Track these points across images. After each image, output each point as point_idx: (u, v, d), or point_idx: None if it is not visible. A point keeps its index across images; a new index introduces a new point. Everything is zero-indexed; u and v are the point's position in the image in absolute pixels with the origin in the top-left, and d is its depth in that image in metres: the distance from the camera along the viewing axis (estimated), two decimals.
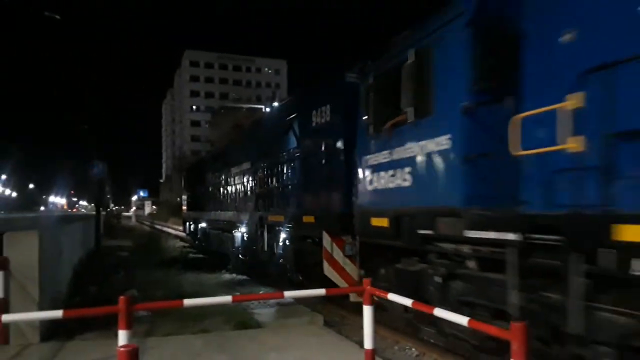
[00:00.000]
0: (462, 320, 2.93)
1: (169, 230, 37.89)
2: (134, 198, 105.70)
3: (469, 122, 4.74)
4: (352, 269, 7.85)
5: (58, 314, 3.36)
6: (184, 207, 26.68)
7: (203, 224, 20.03)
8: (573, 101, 3.59)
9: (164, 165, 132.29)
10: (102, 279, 9.82)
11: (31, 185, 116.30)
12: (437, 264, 5.45)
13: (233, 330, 6.62)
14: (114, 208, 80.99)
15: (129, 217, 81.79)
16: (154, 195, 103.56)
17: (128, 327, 3.33)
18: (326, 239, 8.01)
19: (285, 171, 10.68)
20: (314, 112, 9.05)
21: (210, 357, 5.41)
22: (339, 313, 8.17)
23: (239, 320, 7.00)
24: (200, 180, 20.66)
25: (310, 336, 6.28)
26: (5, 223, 6.31)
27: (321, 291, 4.20)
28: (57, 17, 18.80)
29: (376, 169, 6.54)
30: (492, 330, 2.72)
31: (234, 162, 15.06)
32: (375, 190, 6.56)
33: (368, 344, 4.10)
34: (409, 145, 5.72)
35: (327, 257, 7.97)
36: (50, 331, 5.93)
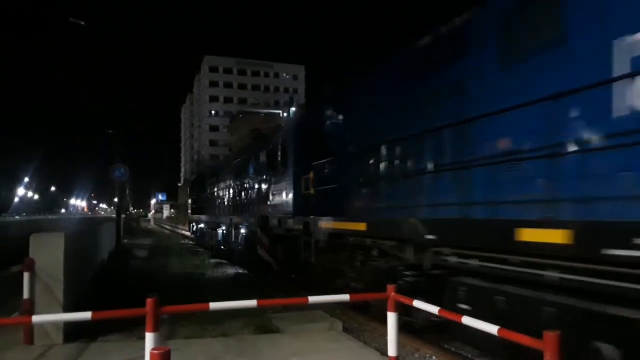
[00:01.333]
0: (492, 329, 2.88)
1: (182, 231, 42.07)
2: (153, 201, 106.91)
3: (295, 176, 11.09)
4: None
5: (87, 315, 3.40)
6: (189, 212, 33.60)
7: (201, 225, 25.90)
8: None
9: (182, 169, 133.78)
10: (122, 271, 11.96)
11: (52, 188, 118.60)
12: (292, 237, 11.14)
13: (253, 334, 6.62)
14: (133, 211, 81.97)
15: (148, 220, 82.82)
16: (172, 199, 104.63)
17: (155, 329, 3.35)
18: (258, 232, 13.14)
19: (245, 189, 16.48)
20: (257, 154, 15.04)
21: None
22: (357, 319, 8.12)
23: (259, 324, 7.00)
24: (201, 190, 26.63)
25: (330, 342, 6.23)
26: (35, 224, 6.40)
27: (345, 297, 4.17)
28: (82, 23, 19.17)
29: (273, 192, 13.09)
30: (524, 339, 2.66)
31: (221, 178, 20.78)
32: (272, 204, 13.02)
33: (392, 351, 4.05)
34: (281, 183, 12.21)
35: (259, 242, 13.16)
36: (73, 332, 6.01)
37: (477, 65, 5.56)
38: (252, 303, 3.86)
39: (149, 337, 3.36)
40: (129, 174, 19.48)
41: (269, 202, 13.19)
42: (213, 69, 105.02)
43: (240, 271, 14.27)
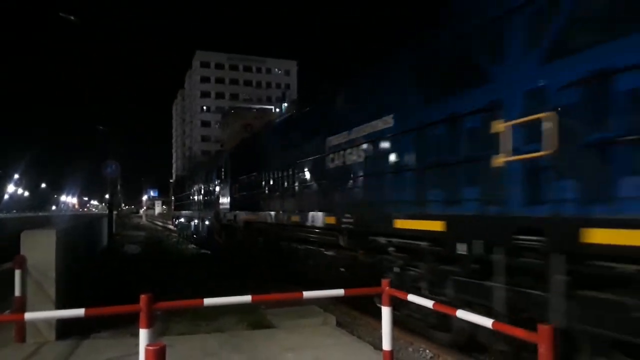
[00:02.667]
0: (487, 322, 2.89)
1: (170, 226, 45.47)
2: (145, 198, 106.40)
3: (231, 184, 16.13)
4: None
5: (80, 312, 3.37)
6: (172, 208, 42.29)
7: (181, 219, 31.85)
8: None
9: (174, 165, 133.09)
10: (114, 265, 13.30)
11: (43, 185, 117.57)
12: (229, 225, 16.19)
13: (247, 330, 6.62)
14: (125, 208, 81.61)
15: (140, 217, 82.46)
16: (164, 195, 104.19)
17: (149, 325, 3.33)
18: (214, 222, 18.54)
19: (209, 191, 21.10)
20: (215, 167, 20.12)
21: (226, 356, 5.40)
22: (350, 313, 8.15)
23: (253, 319, 7.00)
24: (181, 191, 32.47)
25: (324, 337, 6.25)
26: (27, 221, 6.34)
27: (340, 292, 4.17)
28: (72, 18, 18.95)
29: (222, 194, 17.65)
30: (518, 332, 2.67)
31: (196, 182, 25.65)
32: (222, 203, 17.48)
33: (386, 345, 4.07)
34: (225, 188, 17.13)
35: (214, 229, 18.49)
36: (65, 329, 5.97)
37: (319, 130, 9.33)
38: (247, 298, 3.85)
39: (143, 334, 3.35)
40: (120, 170, 19.35)
41: (220, 201, 18.31)
42: (204, 65, 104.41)
43: (204, 252, 19.86)
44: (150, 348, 2.54)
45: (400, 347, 6.20)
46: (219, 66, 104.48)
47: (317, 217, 8.84)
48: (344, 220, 7.62)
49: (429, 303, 3.58)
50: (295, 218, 9.85)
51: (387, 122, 6.72)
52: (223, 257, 16.22)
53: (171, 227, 41.61)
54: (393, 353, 4.15)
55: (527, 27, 4.33)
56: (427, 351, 6.07)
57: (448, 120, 5.34)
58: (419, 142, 5.96)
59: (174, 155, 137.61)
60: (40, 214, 59.03)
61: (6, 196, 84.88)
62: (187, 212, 28.71)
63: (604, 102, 3.56)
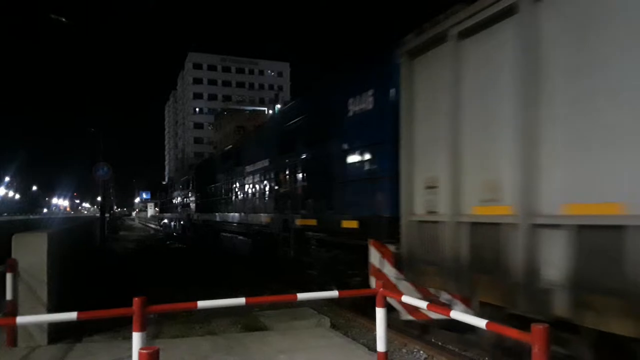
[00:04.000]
0: (480, 323, 2.90)
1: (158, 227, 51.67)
2: (137, 200, 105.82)
3: (196, 192, 23.51)
4: None
5: (72, 316, 3.34)
6: (157, 210, 56.42)
7: (165, 220, 40.31)
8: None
9: (166, 167, 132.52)
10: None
11: (34, 188, 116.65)
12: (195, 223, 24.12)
13: (240, 333, 6.60)
14: (117, 210, 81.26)
15: (132, 219, 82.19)
16: (157, 197, 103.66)
17: (142, 329, 3.31)
18: (186, 221, 26.56)
19: (184, 197, 27.58)
20: (188, 178, 26.97)
21: (219, 359, 5.38)
22: (344, 315, 8.14)
23: (246, 322, 6.98)
24: (165, 196, 40.71)
25: (318, 338, 6.24)
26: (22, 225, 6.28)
27: (334, 293, 4.17)
28: (64, 19, 18.84)
29: (191, 200, 25.24)
30: (512, 333, 2.69)
31: (175, 189, 32.97)
32: (192, 207, 24.62)
33: (381, 346, 4.07)
34: (193, 195, 24.63)
35: (187, 228, 26.17)
36: (57, 333, 5.92)
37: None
38: (241, 301, 3.84)
39: (136, 337, 3.32)
40: (112, 172, 19.25)
41: (190, 206, 25.36)
42: (197, 66, 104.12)
43: (180, 245, 25.18)
44: (144, 352, 2.52)
45: (395, 348, 6.20)
46: (212, 68, 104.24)
47: (235, 217, 15.69)
48: (249, 218, 14.03)
49: (423, 304, 3.59)
50: (225, 218, 17.09)
51: (265, 162, 12.55)
52: (192, 247, 22.88)
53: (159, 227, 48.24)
54: (387, 354, 4.16)
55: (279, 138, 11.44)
56: (421, 352, 6.07)
57: (287, 164, 10.77)
58: (277, 174, 11.51)
59: (167, 157, 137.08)
60: (32, 216, 58.60)
61: None
62: (168, 214, 37.29)
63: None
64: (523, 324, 3.23)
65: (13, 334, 5.66)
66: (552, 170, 3.90)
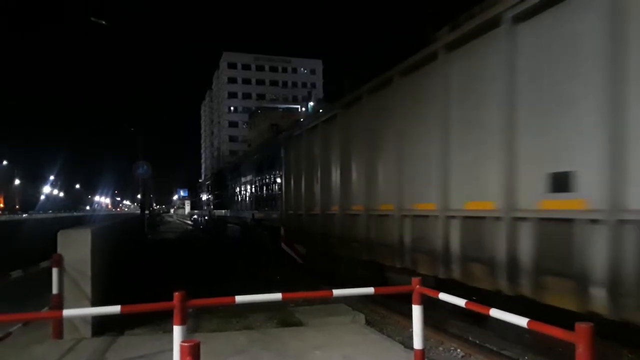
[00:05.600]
0: (521, 321, 2.83)
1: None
2: (175, 197, 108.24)
3: (215, 195, 34.46)
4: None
5: (116, 309, 3.45)
6: (190, 209, 67.84)
7: (195, 216, 53.33)
8: None
9: (203, 165, 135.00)
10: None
11: (77, 186, 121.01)
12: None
13: (276, 328, 6.66)
14: (156, 207, 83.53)
15: (171, 216, 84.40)
16: (194, 195, 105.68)
17: (183, 322, 3.38)
18: (208, 217, 39.03)
19: (208, 199, 38.93)
20: (210, 184, 39.66)
21: (256, 353, 5.45)
22: (379, 312, 8.09)
23: (281, 317, 7.04)
24: (195, 194, 54.95)
25: (353, 335, 6.23)
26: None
27: (369, 290, 4.15)
28: (103, 22, 19.41)
29: (214, 201, 35.64)
30: (555, 332, 2.61)
31: (201, 191, 46.32)
32: (214, 206, 35.83)
33: (418, 344, 4.02)
34: (212, 197, 36.86)
35: (209, 222, 38.76)
36: (100, 326, 6.12)
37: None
38: (277, 296, 3.87)
39: (177, 330, 3.40)
40: (151, 170, 19.74)
41: (211, 205, 35.72)
42: (231, 66, 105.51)
43: (204, 236, 33.74)
44: (186, 344, 2.58)
45: (431, 346, 6.13)
46: (246, 67, 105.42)
47: (234, 213, 24.38)
48: (239, 214, 23.03)
49: (461, 302, 3.52)
50: (228, 213, 26.39)
51: (248, 178, 21.47)
52: (212, 236, 31.07)
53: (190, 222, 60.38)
54: (424, 352, 4.11)
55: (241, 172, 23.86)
56: (459, 350, 5.98)
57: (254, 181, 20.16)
58: (255, 188, 19.88)
59: (203, 155, 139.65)
60: (75, 213, 60.94)
61: (42, 197, 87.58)
62: (197, 211, 50.47)
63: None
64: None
65: (59, 327, 5.89)
66: None
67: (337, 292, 4.03)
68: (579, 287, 4.13)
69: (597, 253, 4.00)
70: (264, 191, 18.10)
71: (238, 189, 23.71)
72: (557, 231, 4.42)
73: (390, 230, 7.61)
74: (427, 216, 6.68)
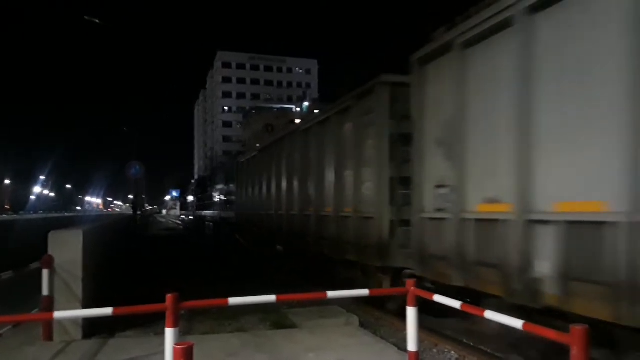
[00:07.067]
0: (517, 323, 2.81)
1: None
2: (168, 198, 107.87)
3: (198, 198, 48.64)
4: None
5: (108, 311, 3.40)
6: (179, 209, 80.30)
7: (182, 216, 65.88)
8: None
9: (196, 166, 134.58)
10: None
11: (68, 186, 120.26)
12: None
13: (269, 330, 6.62)
14: (148, 208, 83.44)
15: (163, 217, 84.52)
16: (184, 196, 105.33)
17: (175, 325, 3.34)
18: (194, 217, 51.42)
19: (191, 201, 56.64)
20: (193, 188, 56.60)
21: (249, 356, 5.40)
22: (373, 314, 8.06)
23: (275, 319, 7.00)
24: (183, 197, 70.62)
25: (347, 337, 6.20)
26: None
27: (364, 292, 4.12)
28: (97, 21, 19.28)
29: (195, 204, 53.51)
30: (549, 334, 2.60)
31: (188, 193, 61.52)
32: (196, 207, 51.43)
33: (412, 346, 4.00)
34: (196, 200, 51.71)
35: (194, 221, 49.21)
36: (91, 328, 6.05)
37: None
38: (271, 298, 3.83)
39: (170, 333, 3.35)
40: (144, 171, 19.64)
41: (195, 206, 50.24)
42: (226, 65, 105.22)
43: (187, 233, 38.87)
44: (179, 347, 2.55)
45: (425, 348, 6.11)
46: (240, 66, 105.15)
47: (208, 213, 37.72)
48: (210, 214, 37.61)
49: (456, 304, 3.51)
50: (206, 214, 39.25)
51: (218, 187, 34.76)
52: (194, 231, 37.49)
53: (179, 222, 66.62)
54: (418, 354, 4.09)
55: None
56: (453, 352, 5.97)
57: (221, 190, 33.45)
58: (222, 194, 33.40)
59: (196, 155, 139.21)
60: (66, 214, 60.71)
61: (33, 197, 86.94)
62: (184, 211, 60.78)
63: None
64: None
65: (49, 329, 5.81)
66: None
67: (331, 294, 4.00)
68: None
69: None
70: (228, 197, 28.94)
71: (213, 194, 35.40)
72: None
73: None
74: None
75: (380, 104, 7.79)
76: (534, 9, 4.60)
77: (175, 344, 2.66)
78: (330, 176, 10.04)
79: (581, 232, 4.03)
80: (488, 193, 5.21)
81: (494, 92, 5.16)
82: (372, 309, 8.29)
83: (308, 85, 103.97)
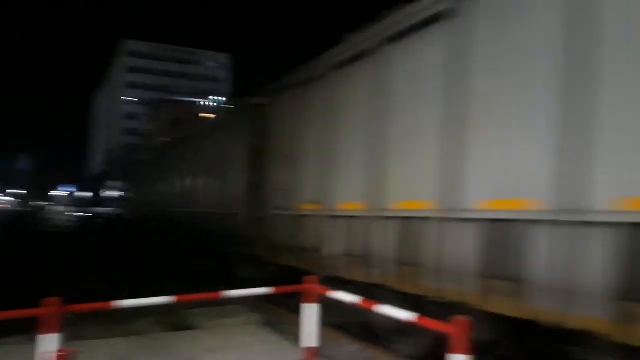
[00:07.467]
0: (410, 316, 2.93)
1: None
2: (59, 193, 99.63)
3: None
4: None
5: None
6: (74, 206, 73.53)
7: (79, 213, 56.54)
8: None
9: (94, 159, 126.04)
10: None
11: None
12: None
13: (167, 332, 6.34)
14: (39, 203, 77.24)
15: (57, 213, 78.43)
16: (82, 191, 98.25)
17: (58, 330, 3.04)
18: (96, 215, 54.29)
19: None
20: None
21: None
22: (277, 312, 8.06)
23: (173, 321, 6.71)
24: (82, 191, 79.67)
25: (248, 336, 6.14)
26: None
27: (263, 290, 4.08)
28: None
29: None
30: (434, 325, 2.74)
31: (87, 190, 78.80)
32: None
33: (308, 341, 4.03)
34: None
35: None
36: None
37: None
38: (165, 299, 3.66)
39: (52, 339, 3.05)
40: (32, 165, 18.05)
41: (92, 204, 65.24)
42: (133, 54, 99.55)
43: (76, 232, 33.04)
44: (60, 354, 2.32)
45: (326, 344, 6.19)
46: (148, 56, 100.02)
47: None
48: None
49: (356, 299, 3.58)
50: (102, 210, 49.91)
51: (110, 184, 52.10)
52: (85, 228, 34.40)
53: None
54: (319, 350, 4.13)
55: None
56: (356, 347, 6.12)
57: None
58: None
59: (96, 148, 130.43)
60: None
61: None
62: (79, 208, 56.80)
63: None
64: None
65: None
66: None
67: (229, 292, 3.92)
68: None
69: None
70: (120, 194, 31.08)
71: (108, 190, 39.64)
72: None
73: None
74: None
75: (244, 121, 10.08)
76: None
77: (57, 351, 2.42)
78: (207, 178, 12.80)
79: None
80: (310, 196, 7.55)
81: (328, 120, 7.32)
82: (276, 307, 8.29)
83: (221, 80, 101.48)
